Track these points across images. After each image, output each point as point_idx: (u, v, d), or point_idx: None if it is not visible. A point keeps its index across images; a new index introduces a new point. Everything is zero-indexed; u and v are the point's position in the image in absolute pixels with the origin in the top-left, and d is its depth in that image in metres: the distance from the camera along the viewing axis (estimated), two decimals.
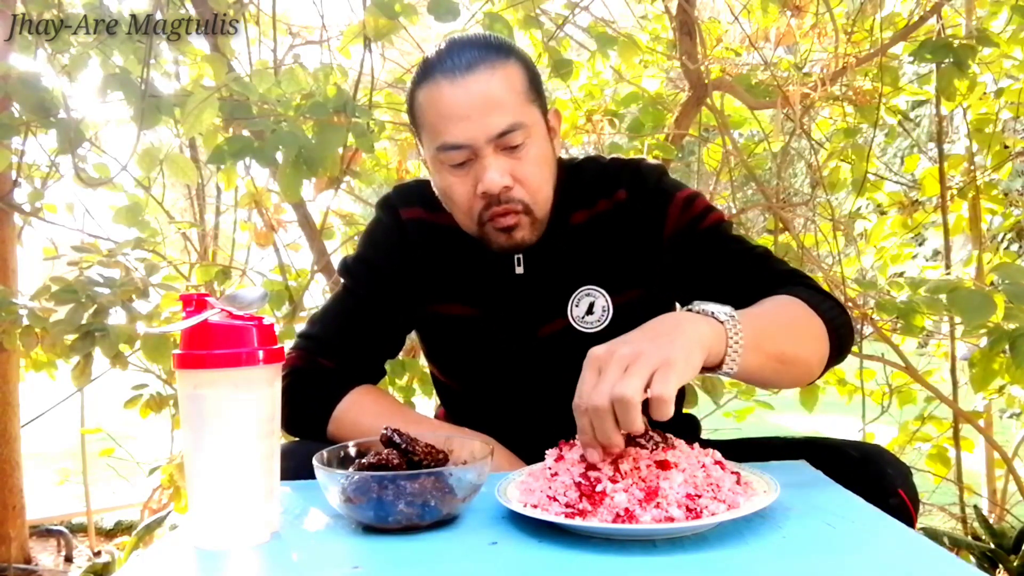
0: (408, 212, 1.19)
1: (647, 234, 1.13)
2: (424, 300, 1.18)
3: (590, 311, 1.13)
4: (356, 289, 1.19)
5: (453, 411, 1.27)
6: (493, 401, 1.18)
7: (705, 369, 0.82)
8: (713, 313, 0.85)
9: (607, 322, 1.12)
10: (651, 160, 1.21)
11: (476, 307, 1.15)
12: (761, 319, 0.91)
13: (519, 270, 1.14)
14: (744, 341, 0.84)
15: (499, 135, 1.01)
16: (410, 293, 1.18)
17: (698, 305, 0.87)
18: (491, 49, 1.03)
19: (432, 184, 1.13)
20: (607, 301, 1.13)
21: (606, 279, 1.13)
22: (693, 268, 1.12)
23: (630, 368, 0.74)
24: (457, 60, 1.01)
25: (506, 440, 1.08)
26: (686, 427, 1.27)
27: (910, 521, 0.94)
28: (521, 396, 1.16)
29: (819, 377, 1.03)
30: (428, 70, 1.04)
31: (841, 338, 1.00)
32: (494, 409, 1.18)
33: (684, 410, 1.32)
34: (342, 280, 1.22)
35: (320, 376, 1.13)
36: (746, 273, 1.08)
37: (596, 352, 0.79)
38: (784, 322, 0.95)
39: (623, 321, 1.12)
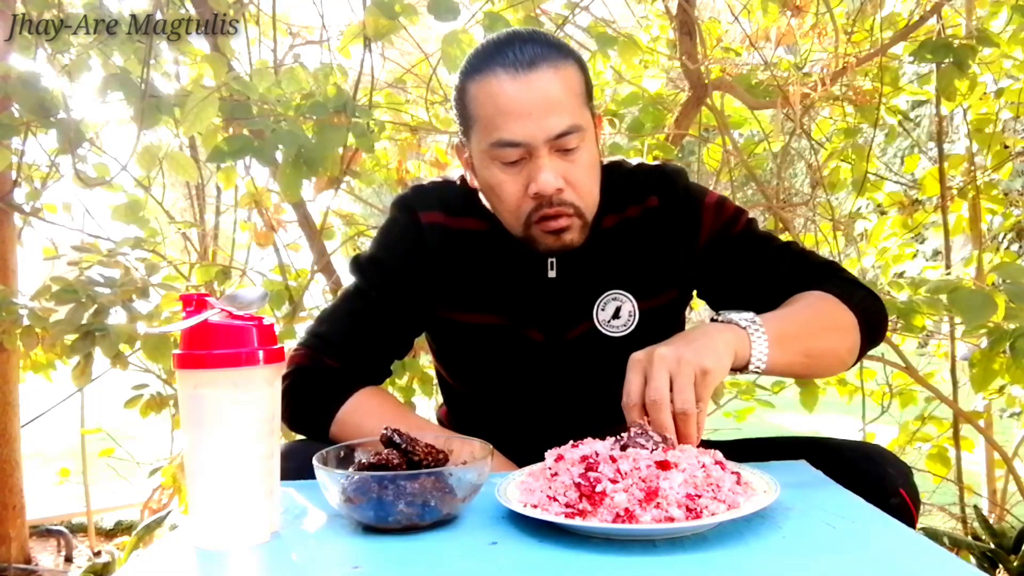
0: (427, 216, 1.15)
1: (680, 240, 1.13)
2: (439, 306, 1.16)
3: (616, 315, 1.12)
4: (367, 290, 1.16)
5: (458, 412, 1.27)
6: (505, 404, 1.17)
7: (736, 369, 0.93)
8: (735, 321, 0.94)
9: (633, 327, 1.12)
10: (671, 164, 1.21)
11: (500, 314, 1.13)
12: (786, 320, 0.99)
13: (551, 274, 1.12)
14: (769, 341, 0.94)
15: (557, 136, 0.99)
16: (424, 298, 1.16)
17: (723, 315, 0.96)
18: (552, 47, 1.00)
19: (474, 178, 1.09)
20: (634, 306, 1.12)
21: (634, 284, 1.13)
22: (732, 272, 1.14)
23: (675, 377, 0.84)
24: (520, 55, 0.98)
25: (514, 443, 1.07)
26: None
27: (911, 521, 0.94)
28: (538, 399, 1.15)
29: (856, 363, 1.13)
30: (485, 61, 1.00)
31: (872, 326, 1.07)
32: (503, 411, 1.17)
33: None
34: (353, 279, 1.19)
35: (325, 376, 1.11)
36: (782, 272, 1.12)
37: (637, 356, 0.89)
38: (810, 320, 1.03)
39: (649, 326, 1.13)
